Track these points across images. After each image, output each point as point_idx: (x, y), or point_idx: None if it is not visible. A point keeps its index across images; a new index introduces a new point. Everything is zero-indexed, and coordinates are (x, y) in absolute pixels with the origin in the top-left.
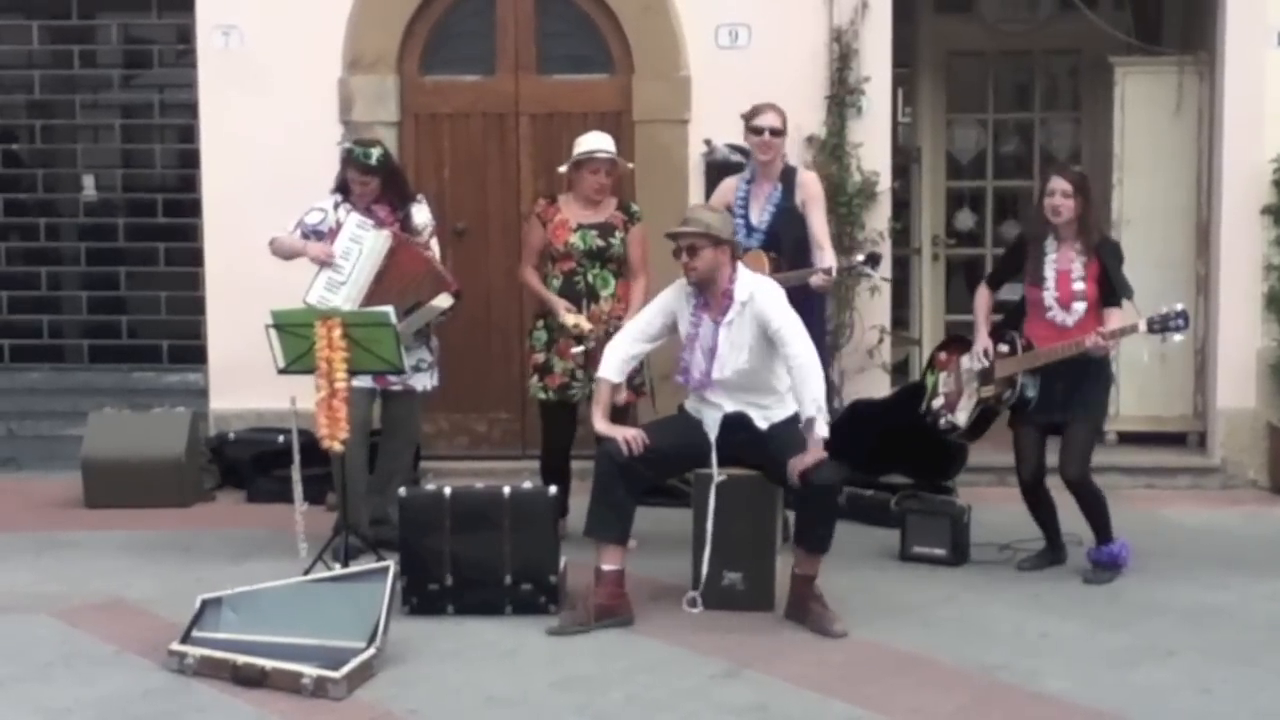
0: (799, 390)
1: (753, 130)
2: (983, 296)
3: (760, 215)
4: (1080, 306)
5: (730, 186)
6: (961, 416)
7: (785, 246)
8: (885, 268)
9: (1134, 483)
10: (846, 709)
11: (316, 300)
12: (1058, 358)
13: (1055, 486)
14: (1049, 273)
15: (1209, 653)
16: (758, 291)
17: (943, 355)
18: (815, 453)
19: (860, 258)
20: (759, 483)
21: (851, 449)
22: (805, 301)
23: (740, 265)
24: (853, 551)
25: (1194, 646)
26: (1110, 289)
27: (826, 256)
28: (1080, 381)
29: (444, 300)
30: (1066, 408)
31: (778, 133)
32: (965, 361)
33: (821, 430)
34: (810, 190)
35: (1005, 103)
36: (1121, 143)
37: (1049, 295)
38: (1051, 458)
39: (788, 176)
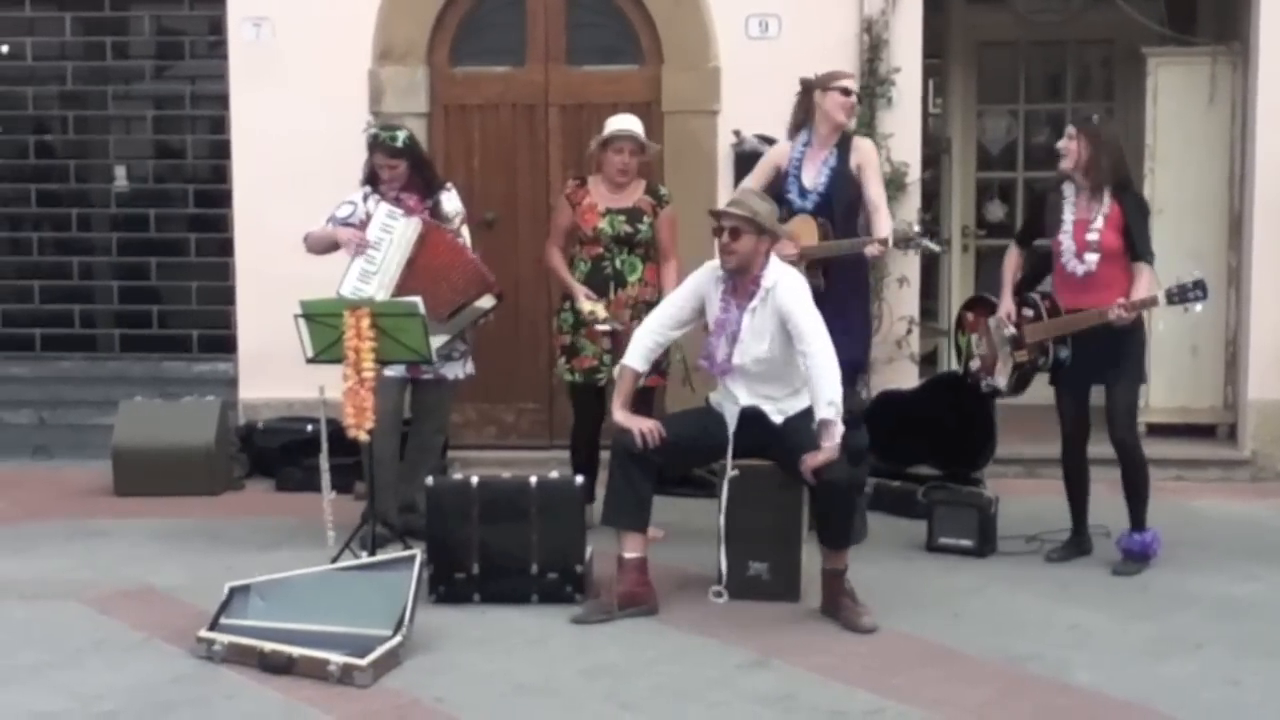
0: (814, 389)
1: (842, 91)
2: (1011, 255)
3: (815, 179)
4: (1092, 258)
5: (782, 151)
6: (1001, 380)
7: (837, 211)
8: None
9: (1163, 475)
10: (873, 700)
11: (350, 291)
12: (1082, 326)
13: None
14: (1068, 217)
15: (1238, 645)
16: (781, 282)
17: (970, 316)
18: (828, 451)
19: (918, 228)
20: (782, 474)
21: (879, 439)
22: (855, 269)
23: (773, 256)
24: (880, 542)
25: (1223, 638)
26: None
27: (883, 220)
28: (1114, 345)
29: (487, 301)
30: (1104, 371)
31: (860, 98)
32: (993, 324)
33: (836, 431)
34: (866, 155)
35: (1036, 93)
36: (1154, 134)
37: (1066, 239)
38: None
39: (843, 141)
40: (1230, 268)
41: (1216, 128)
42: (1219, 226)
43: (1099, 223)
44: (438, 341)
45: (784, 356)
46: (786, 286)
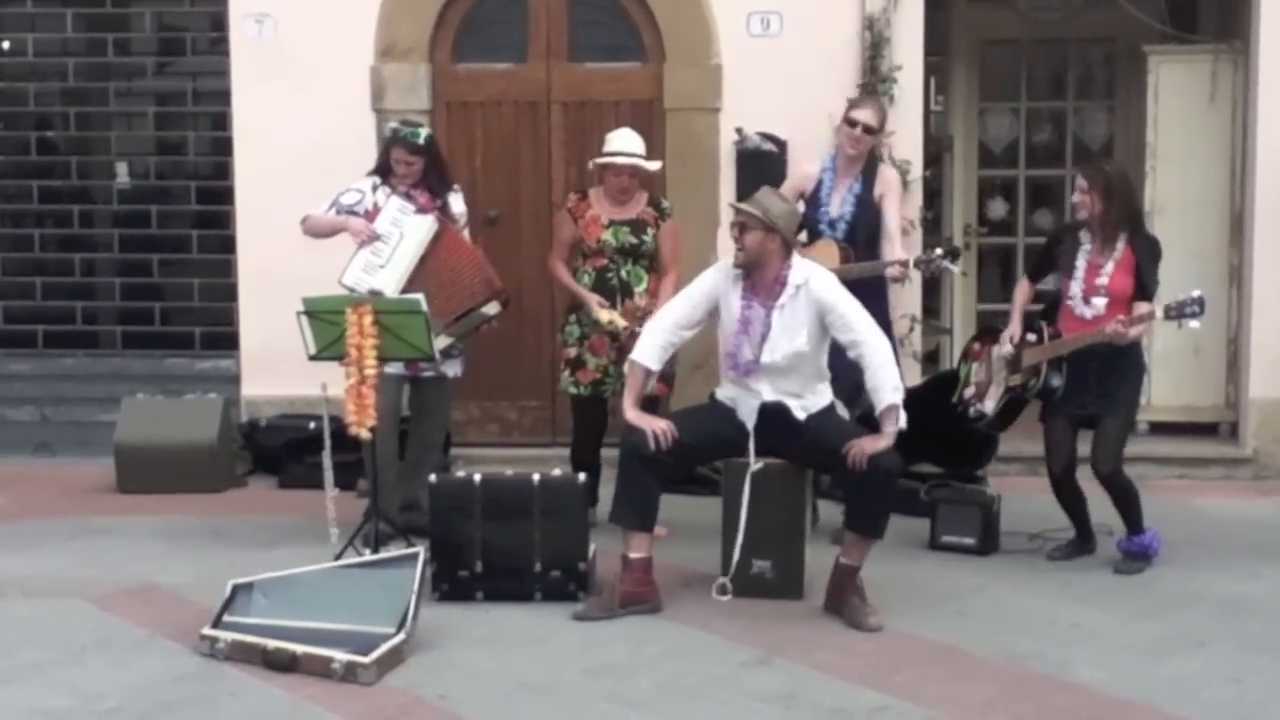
0: (877, 376)
1: (847, 122)
2: (1021, 288)
3: (841, 207)
4: (1100, 302)
5: (807, 175)
6: (989, 405)
7: (860, 239)
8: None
9: (1166, 473)
10: (876, 698)
11: (354, 282)
12: (1081, 345)
13: (1086, 477)
14: (1080, 262)
15: (1240, 643)
16: (814, 277)
17: (976, 346)
18: (887, 437)
19: (939, 250)
20: (789, 471)
21: None
22: (874, 294)
23: (795, 255)
24: (882, 541)
25: (1225, 637)
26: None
27: (895, 250)
28: (1110, 374)
29: (493, 308)
30: (1096, 401)
31: (870, 130)
32: (996, 350)
33: (901, 418)
34: (889, 185)
35: (1038, 91)
36: (1155, 132)
37: (1075, 285)
38: (1083, 449)
39: (870, 169)
40: (1232, 266)
41: (1218, 126)
42: (1220, 225)
43: (1109, 267)
44: (442, 344)
45: (816, 351)
46: (820, 281)
